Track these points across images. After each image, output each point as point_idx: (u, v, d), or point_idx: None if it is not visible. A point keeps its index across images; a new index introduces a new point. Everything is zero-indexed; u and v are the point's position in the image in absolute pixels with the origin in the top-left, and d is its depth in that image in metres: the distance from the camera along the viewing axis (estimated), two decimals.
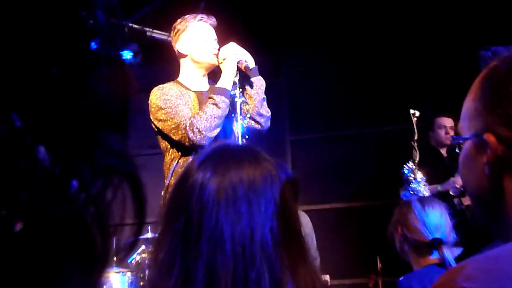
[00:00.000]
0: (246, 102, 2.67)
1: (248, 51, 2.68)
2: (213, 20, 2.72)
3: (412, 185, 3.35)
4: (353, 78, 5.14)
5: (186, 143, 2.47)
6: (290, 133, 5.38)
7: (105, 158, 0.45)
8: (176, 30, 2.71)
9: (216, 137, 2.58)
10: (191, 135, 2.44)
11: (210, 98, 2.55)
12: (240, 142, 2.59)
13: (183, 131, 2.46)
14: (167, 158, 2.60)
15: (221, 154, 1.00)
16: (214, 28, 2.74)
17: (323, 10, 4.73)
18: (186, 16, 2.70)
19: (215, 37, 2.71)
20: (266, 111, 2.71)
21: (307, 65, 5.38)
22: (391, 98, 4.91)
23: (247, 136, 2.68)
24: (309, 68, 5.38)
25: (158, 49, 2.86)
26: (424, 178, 3.40)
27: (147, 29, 2.53)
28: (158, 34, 2.70)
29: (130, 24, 2.64)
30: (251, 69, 2.61)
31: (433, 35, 4.79)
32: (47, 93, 0.42)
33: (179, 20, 2.71)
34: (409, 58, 4.92)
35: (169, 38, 2.73)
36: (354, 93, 5.12)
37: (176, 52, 2.72)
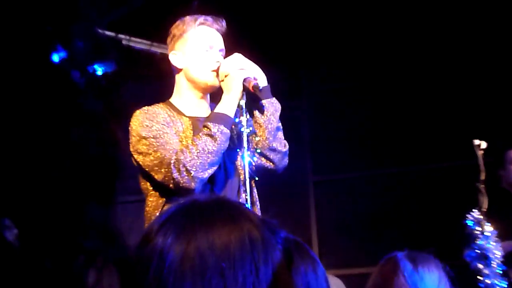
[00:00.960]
0: (255, 133, 2.60)
1: (259, 67, 2.61)
2: (220, 24, 2.66)
3: (479, 242, 3.18)
4: (393, 100, 5.05)
5: (171, 185, 2.40)
6: (313, 172, 5.32)
7: (88, 238, 0.47)
8: (171, 36, 2.67)
9: (213, 179, 2.50)
10: (176, 175, 2.37)
11: (204, 127, 2.47)
12: (247, 185, 2.50)
13: (167, 169, 2.39)
14: (149, 205, 2.52)
15: (187, 212, 1.00)
16: (223, 35, 2.67)
17: (355, 15, 4.67)
18: (186, 17, 2.66)
19: (221, 47, 2.65)
20: (281, 145, 2.63)
21: (334, 84, 5.32)
22: (445, 125, 4.79)
23: (257, 178, 2.60)
24: (336, 88, 5.32)
25: (146, 64, 2.79)
26: (495, 232, 3.22)
27: (123, 36, 2.43)
28: (137, 43, 2.62)
29: (101, 31, 2.55)
30: (261, 89, 2.53)
31: (498, 47, 4.70)
32: (17, 153, 0.44)
33: (177, 23, 2.66)
34: (467, 75, 4.80)
35: (153, 48, 2.66)
36: (395, 119, 5.03)
37: (171, 64, 2.67)
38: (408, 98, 4.97)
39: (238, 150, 2.61)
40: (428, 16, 4.63)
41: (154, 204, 2.50)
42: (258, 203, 2.60)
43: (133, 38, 2.65)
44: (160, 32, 2.73)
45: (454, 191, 4.26)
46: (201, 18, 2.63)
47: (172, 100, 2.66)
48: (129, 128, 2.51)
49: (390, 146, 5.05)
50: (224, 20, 2.67)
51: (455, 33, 4.72)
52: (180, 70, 2.63)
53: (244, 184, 2.53)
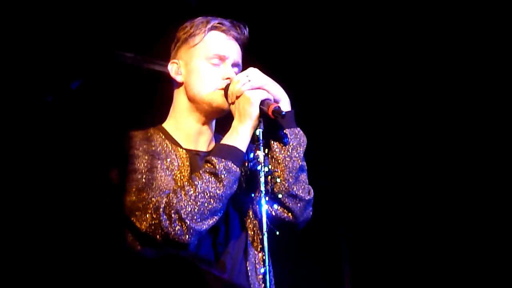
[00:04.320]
0: (272, 173, 2.51)
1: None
2: (239, 31, 2.64)
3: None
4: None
5: (158, 237, 2.31)
6: (347, 226, 5.34)
7: None
8: (175, 40, 2.65)
9: (214, 232, 2.43)
10: (166, 224, 2.29)
11: (207, 162, 2.40)
12: (265, 241, 2.40)
13: (154, 216, 2.31)
14: None
15: None
16: (243, 46, 2.64)
17: None
18: (197, 18, 2.63)
19: (237, 60, 2.61)
20: (304, 191, 2.55)
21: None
22: None
23: (277, 233, 2.50)
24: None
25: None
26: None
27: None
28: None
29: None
30: (284, 115, 2.44)
31: None
32: None
33: (184, 24, 2.64)
34: None
35: (137, 63, 2.64)
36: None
37: (169, 76, 2.64)
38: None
39: (251, 195, 2.56)
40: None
41: None
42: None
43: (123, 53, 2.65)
44: (147, 43, 2.72)
45: None
46: (215, 21, 2.61)
47: (166, 125, 2.62)
48: None
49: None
50: (246, 27, 2.64)
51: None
52: (180, 84, 2.60)
53: (258, 240, 2.52)
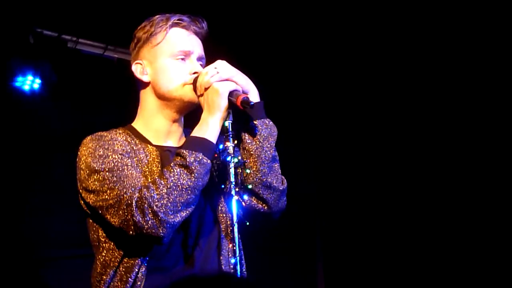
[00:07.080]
0: (245, 164, 2.52)
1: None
2: (199, 26, 2.65)
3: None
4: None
5: (131, 232, 2.31)
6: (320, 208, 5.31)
7: None
8: (135, 40, 2.64)
9: (186, 225, 2.43)
10: (139, 218, 2.28)
11: (177, 155, 2.40)
12: (236, 232, 2.43)
13: (127, 211, 2.30)
14: (100, 260, 2.44)
15: None
16: (203, 40, 2.65)
17: None
18: (155, 17, 2.63)
19: (201, 54, 2.63)
20: (277, 181, 2.57)
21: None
22: None
23: (247, 223, 2.51)
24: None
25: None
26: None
27: (68, 37, 2.41)
28: (87, 45, 2.60)
29: (39, 30, 2.56)
30: (252, 105, 2.45)
31: None
32: None
33: (143, 24, 2.63)
34: None
35: (108, 53, 2.63)
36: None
37: (134, 77, 2.63)
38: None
39: (222, 186, 2.56)
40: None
41: (108, 259, 2.42)
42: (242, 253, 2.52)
43: (81, 40, 2.61)
44: (118, 33, 2.70)
45: None
46: (175, 18, 2.61)
47: (135, 124, 2.62)
48: (77, 159, 2.46)
49: None
50: (204, 21, 2.64)
51: None
52: (147, 84, 2.60)
53: (231, 232, 2.46)
